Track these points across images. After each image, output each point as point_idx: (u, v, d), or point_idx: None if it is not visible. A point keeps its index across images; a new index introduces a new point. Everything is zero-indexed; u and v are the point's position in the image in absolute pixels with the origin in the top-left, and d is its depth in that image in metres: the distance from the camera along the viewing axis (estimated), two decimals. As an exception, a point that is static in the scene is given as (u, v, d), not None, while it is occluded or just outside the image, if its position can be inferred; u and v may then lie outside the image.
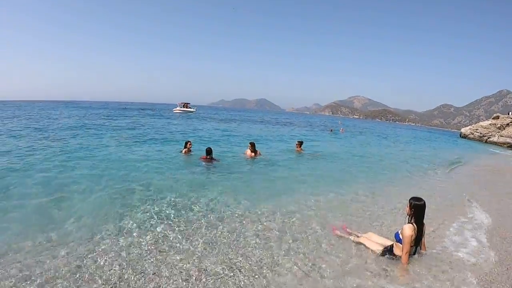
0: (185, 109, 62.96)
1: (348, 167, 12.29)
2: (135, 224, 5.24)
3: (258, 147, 12.53)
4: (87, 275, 3.70)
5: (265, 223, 5.64)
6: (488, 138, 45.25)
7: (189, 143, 11.70)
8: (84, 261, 4.00)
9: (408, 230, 4.30)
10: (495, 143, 42.15)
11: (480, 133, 46.99)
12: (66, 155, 10.67)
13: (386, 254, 4.60)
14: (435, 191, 9.10)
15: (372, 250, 4.79)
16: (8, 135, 14.73)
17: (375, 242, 4.94)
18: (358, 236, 5.24)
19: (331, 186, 8.63)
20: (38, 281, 3.54)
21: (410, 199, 4.48)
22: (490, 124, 47.17)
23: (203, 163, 10.24)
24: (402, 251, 4.34)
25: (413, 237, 4.32)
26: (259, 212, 6.14)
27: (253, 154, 11.94)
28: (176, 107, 65.26)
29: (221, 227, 5.35)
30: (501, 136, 43.38)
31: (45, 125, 20.73)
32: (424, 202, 4.43)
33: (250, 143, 12.23)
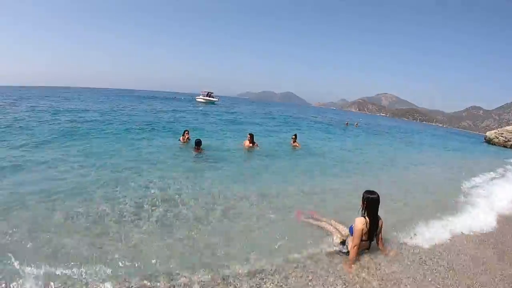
0: (207, 98, 63.34)
1: (337, 163, 12.08)
2: (122, 193, 6.06)
3: (262, 139, 12.62)
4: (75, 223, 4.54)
5: (235, 204, 6.09)
6: (513, 143, 43.15)
7: (187, 132, 12.20)
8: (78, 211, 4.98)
9: (358, 223, 4.28)
10: (520, 149, 40.14)
11: (505, 138, 44.73)
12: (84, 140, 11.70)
13: (341, 245, 4.61)
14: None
15: (328, 232, 4.99)
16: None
17: (335, 229, 5.04)
18: (321, 221, 5.37)
19: (313, 178, 8.93)
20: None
21: (363, 193, 4.46)
22: (516, 129, 44.92)
23: (194, 152, 10.64)
24: (352, 242, 4.35)
25: (364, 230, 4.29)
26: (233, 195, 6.60)
27: (250, 145, 12.26)
28: (199, 96, 65.85)
29: (194, 203, 5.89)
30: (526, 142, 41.34)
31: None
32: (378, 196, 4.37)
33: (249, 134, 12.54)
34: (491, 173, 12.83)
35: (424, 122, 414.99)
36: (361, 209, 4.45)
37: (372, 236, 4.44)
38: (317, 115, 61.34)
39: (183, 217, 5.19)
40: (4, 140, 10.17)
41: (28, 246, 3.92)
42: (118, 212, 5.16)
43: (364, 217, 4.36)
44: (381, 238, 4.64)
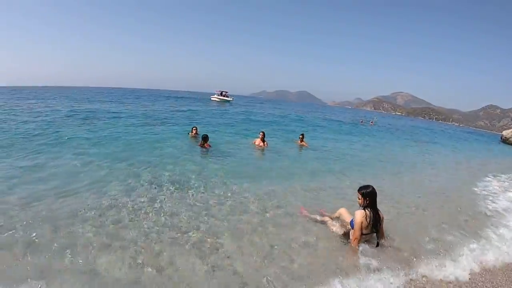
0: (222, 97, 63.36)
1: (346, 162, 11.73)
2: (131, 184, 6.45)
3: (273, 138, 13.12)
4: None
5: (239, 199, 6.11)
6: (530, 143, 41.25)
7: (195, 128, 12.81)
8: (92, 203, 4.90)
9: (359, 216, 4.32)
10: (537, 149, 38.30)
11: (522, 137, 43.04)
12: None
13: (344, 238, 4.65)
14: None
15: (332, 231, 4.88)
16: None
17: (337, 222, 4.99)
18: (323, 216, 5.32)
19: (318, 178, 8.61)
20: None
21: (359, 190, 4.47)
22: (534, 128, 43.12)
23: (200, 148, 10.76)
24: (352, 235, 4.42)
25: (364, 224, 4.31)
26: (237, 189, 6.67)
27: (261, 143, 12.12)
28: (214, 95, 65.94)
29: (200, 196, 6.04)
30: (544, 141, 39.52)
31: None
32: (373, 188, 4.43)
33: (261, 132, 12.52)
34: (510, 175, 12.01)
35: (440, 121, 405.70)
36: (361, 206, 4.45)
37: (374, 229, 4.43)
38: (332, 114, 60.58)
39: (185, 217, 5.08)
40: (24, 137, 10.68)
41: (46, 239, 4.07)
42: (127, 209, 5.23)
43: (364, 210, 4.37)
44: (383, 232, 4.62)
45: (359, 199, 4.45)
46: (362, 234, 4.35)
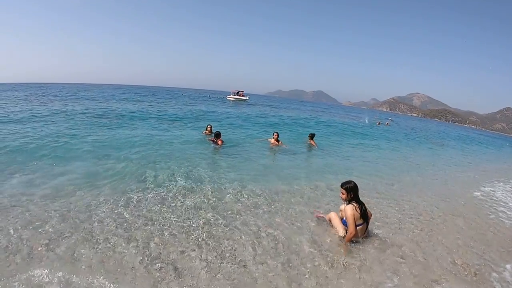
0: (238, 97, 63.49)
1: (349, 163, 11.54)
2: (146, 181, 6.59)
3: (285, 136, 13.32)
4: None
5: (244, 196, 6.26)
6: (548, 147, 39.46)
7: (209, 126, 13.40)
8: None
9: (349, 210, 4.49)
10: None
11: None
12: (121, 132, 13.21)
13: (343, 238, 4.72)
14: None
15: (336, 231, 4.92)
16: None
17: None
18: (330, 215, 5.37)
19: (324, 177, 8.58)
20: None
21: (342, 186, 4.67)
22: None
23: (213, 144, 11.17)
24: (348, 231, 4.52)
25: (357, 215, 4.49)
26: (244, 186, 6.85)
27: (276, 142, 12.57)
28: (229, 95, 66.14)
29: (215, 193, 6.23)
30: None
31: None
32: (354, 182, 4.65)
33: (275, 132, 13.03)
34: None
35: (457, 123, 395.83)
36: (346, 201, 4.66)
37: (365, 218, 4.61)
38: (347, 114, 59.94)
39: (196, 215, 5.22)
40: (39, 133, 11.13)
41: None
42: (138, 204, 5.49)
43: (351, 203, 4.57)
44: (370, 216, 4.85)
45: (342, 194, 4.66)
46: (356, 227, 4.48)
